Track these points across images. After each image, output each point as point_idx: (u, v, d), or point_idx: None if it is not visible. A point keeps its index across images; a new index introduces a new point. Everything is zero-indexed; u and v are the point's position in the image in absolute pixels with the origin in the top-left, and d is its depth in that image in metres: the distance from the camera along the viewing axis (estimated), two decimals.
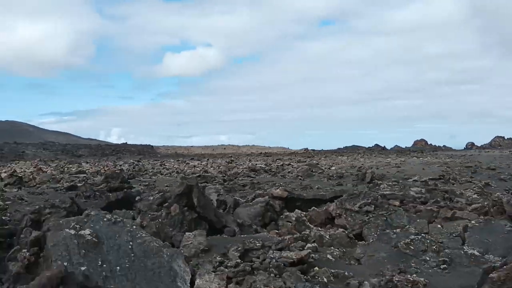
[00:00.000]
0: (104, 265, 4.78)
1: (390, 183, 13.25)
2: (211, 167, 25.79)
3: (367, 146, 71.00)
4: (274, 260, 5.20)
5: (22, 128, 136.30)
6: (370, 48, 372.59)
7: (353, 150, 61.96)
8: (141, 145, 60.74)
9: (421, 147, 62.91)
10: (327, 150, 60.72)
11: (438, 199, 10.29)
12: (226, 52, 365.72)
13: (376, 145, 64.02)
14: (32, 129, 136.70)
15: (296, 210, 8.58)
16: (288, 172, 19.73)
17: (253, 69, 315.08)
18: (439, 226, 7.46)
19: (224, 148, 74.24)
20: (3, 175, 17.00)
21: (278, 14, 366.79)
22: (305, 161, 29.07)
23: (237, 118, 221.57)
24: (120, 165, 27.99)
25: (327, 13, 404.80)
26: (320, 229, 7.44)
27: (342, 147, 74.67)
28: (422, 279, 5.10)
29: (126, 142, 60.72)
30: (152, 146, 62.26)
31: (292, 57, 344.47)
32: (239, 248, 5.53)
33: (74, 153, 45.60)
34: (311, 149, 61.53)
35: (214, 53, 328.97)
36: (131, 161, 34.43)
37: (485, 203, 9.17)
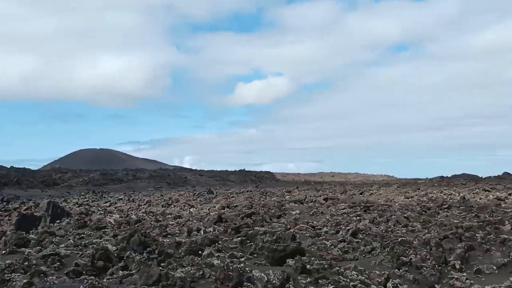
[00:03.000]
0: None
1: None
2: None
3: (481, 175, 67.35)
4: None
5: (116, 156, 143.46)
6: (445, 73, 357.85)
7: (472, 178, 59.36)
8: (260, 171, 61.93)
9: None
10: (457, 177, 58.52)
11: None
12: (296, 80, 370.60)
13: (506, 173, 60.04)
14: (124, 157, 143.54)
15: None
16: None
17: (323, 96, 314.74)
18: None
19: (333, 176, 74.11)
20: None
21: (349, 41, 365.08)
22: None
23: (305, 146, 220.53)
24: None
25: (400, 38, 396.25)
26: None
27: (445, 176, 71.64)
28: None
29: (244, 169, 61.88)
30: (272, 172, 63.02)
31: (362, 83, 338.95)
32: None
33: (225, 178, 47.51)
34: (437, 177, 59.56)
35: (284, 82, 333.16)
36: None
37: None
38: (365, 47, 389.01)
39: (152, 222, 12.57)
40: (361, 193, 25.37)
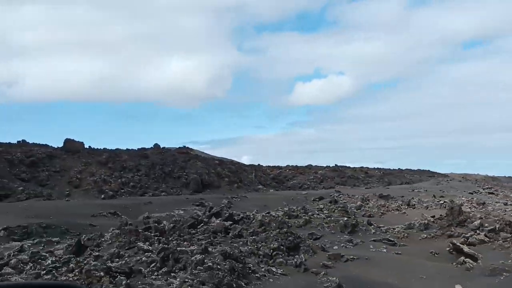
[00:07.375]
0: None
1: None
2: None
3: None
4: None
5: (197, 153, 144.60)
6: None
7: None
8: (418, 170, 61.37)
9: None
10: None
11: None
12: (360, 79, 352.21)
13: None
14: (204, 155, 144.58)
15: None
16: None
17: (389, 95, 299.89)
18: None
19: (463, 177, 73.32)
20: None
21: (418, 38, 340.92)
22: None
23: (369, 146, 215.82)
24: None
25: (475, 33, 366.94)
26: None
27: None
28: None
29: (400, 168, 61.07)
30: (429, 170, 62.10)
31: (433, 81, 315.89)
32: None
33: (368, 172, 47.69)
34: None
35: (347, 81, 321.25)
36: None
37: None
38: (436, 43, 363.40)
39: None
40: None
